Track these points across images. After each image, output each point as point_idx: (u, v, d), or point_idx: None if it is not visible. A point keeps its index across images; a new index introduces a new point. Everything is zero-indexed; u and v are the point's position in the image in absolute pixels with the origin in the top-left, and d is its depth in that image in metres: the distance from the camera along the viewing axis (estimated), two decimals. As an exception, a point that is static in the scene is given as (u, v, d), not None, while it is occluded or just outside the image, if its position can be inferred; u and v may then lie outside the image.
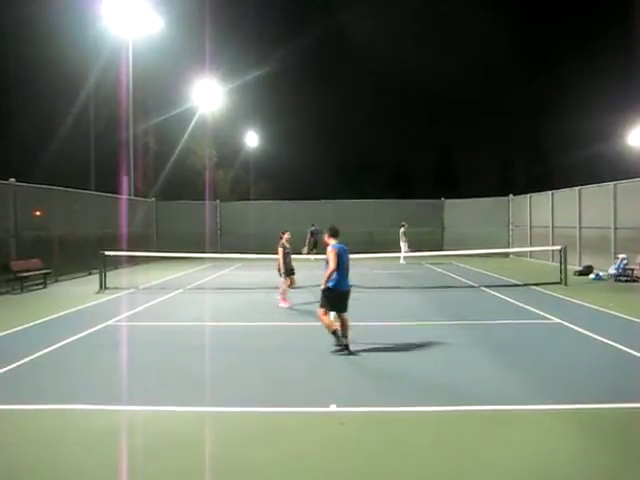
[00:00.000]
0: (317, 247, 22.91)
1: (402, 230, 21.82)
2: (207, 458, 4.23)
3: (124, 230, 20.91)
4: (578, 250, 18.46)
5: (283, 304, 11.18)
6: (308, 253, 22.11)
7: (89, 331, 8.79)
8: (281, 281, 11.33)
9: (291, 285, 11.43)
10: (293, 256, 11.62)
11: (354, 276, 18.49)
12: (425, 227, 26.94)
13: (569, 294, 12.45)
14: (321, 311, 7.45)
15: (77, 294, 13.38)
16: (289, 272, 11.23)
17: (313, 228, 23.77)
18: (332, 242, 7.53)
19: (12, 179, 14.69)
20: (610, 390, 5.70)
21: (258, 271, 19.30)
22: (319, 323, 9.66)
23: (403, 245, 21.49)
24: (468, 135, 69.05)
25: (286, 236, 11.30)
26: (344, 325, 7.38)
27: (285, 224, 25.60)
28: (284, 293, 11.29)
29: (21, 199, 14.85)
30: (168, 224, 25.90)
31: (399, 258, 21.11)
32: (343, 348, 7.21)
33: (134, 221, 22.79)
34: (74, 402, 5.38)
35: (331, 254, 7.34)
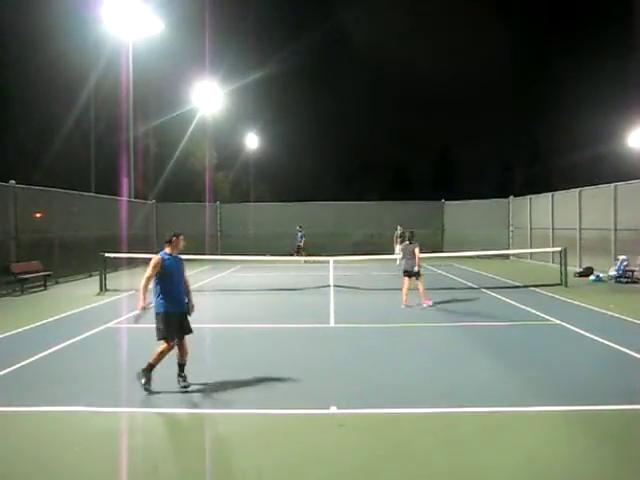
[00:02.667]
0: (305, 249, 23.28)
1: (397, 232, 21.84)
2: (207, 460, 4.23)
3: (124, 232, 20.94)
4: (578, 252, 18.47)
5: (428, 303, 11.27)
6: (299, 254, 22.49)
7: (89, 333, 8.79)
8: (421, 280, 11.39)
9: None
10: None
11: (354, 278, 18.45)
12: (425, 229, 26.90)
13: (569, 295, 12.45)
14: (163, 344, 5.92)
15: (77, 296, 13.38)
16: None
17: (299, 230, 24.03)
18: (167, 250, 6.15)
19: (12, 181, 14.71)
20: (610, 391, 5.70)
21: (258, 272, 19.32)
22: (318, 325, 9.72)
23: (399, 247, 21.49)
24: (468, 136, 69.03)
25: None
26: (184, 353, 6.07)
27: (285, 226, 26.05)
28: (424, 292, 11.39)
29: (21, 201, 14.87)
30: (168, 226, 25.80)
31: (394, 260, 21.13)
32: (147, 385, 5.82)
33: (134, 223, 22.81)
34: (74, 404, 5.38)
35: (151, 263, 5.97)
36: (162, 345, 5.91)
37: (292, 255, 22.81)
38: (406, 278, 11.38)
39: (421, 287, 11.33)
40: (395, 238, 21.83)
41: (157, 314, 5.93)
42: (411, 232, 11.64)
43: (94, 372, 6.63)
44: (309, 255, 22.45)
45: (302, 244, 23.75)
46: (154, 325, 5.91)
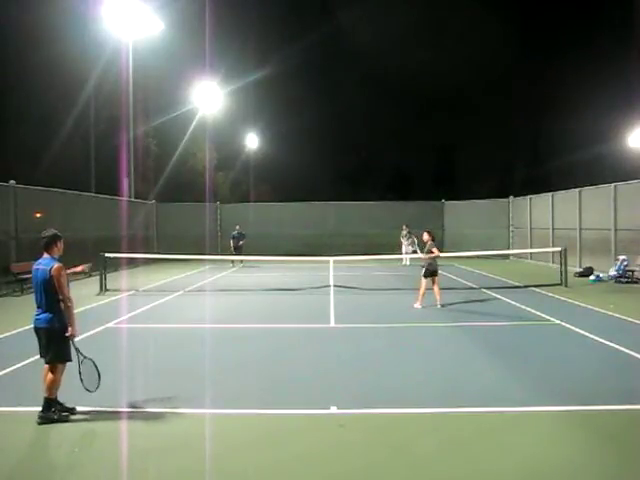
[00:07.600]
0: (241, 251, 21.68)
1: (403, 232, 21.84)
2: (207, 460, 4.22)
3: (124, 232, 20.94)
4: (578, 252, 18.46)
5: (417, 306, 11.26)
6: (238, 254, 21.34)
7: (89, 333, 8.78)
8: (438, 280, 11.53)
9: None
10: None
11: (354, 278, 18.44)
12: (425, 229, 26.93)
13: (569, 296, 12.45)
14: (62, 366, 5.16)
15: (77, 296, 13.26)
16: None
17: (236, 231, 22.25)
18: (54, 254, 5.16)
19: (12, 181, 14.70)
20: (610, 391, 5.69)
21: (258, 272, 19.32)
22: (318, 325, 9.71)
23: (406, 247, 21.49)
24: (468, 136, 68.89)
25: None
26: (57, 384, 5.10)
27: (285, 226, 26.08)
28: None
29: (21, 201, 14.86)
30: (168, 226, 25.91)
31: (399, 260, 21.16)
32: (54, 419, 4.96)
33: (134, 223, 22.79)
34: (74, 404, 5.37)
35: (63, 276, 4.97)
36: (60, 367, 5.11)
37: (232, 254, 21.21)
38: (426, 279, 11.11)
39: (437, 287, 11.20)
40: (401, 238, 21.85)
41: (62, 330, 5.04)
42: (429, 231, 11.66)
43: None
44: (240, 255, 21.20)
45: (239, 245, 21.88)
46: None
